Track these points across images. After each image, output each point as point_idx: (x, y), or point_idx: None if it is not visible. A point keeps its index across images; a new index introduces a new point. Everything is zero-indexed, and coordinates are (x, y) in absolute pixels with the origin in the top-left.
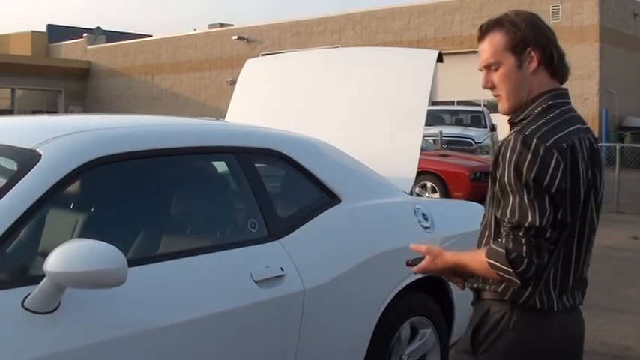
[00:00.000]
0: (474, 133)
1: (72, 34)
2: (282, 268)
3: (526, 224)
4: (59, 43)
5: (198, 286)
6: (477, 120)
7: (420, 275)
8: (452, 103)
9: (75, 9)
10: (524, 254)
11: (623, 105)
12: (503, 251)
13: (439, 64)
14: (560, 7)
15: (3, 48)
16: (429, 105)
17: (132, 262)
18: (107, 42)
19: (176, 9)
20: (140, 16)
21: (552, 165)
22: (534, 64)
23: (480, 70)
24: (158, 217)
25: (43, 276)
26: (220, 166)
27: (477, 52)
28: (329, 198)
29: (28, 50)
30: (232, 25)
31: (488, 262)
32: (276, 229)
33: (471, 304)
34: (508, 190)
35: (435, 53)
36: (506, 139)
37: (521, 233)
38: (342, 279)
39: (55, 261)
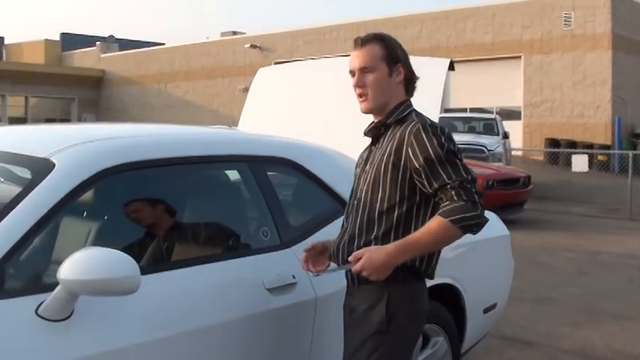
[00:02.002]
0: (486, 140)
1: (85, 42)
2: (294, 276)
3: (469, 178)
4: (72, 52)
5: (210, 294)
6: (490, 127)
7: (431, 283)
8: (464, 110)
9: (88, 17)
10: (477, 200)
11: (635, 112)
12: (463, 203)
13: (451, 71)
14: (572, 15)
15: (16, 56)
16: (441, 112)
17: (145, 270)
18: (120, 50)
19: (189, 17)
20: (153, 25)
21: (455, 142)
22: (401, 77)
23: (351, 72)
24: (171, 225)
25: (56, 284)
26: (233, 175)
27: (490, 59)
28: (341, 206)
29: (42, 58)
30: (245, 33)
31: (452, 220)
32: (288, 237)
33: (357, 289)
34: (437, 163)
35: (446, 61)
36: (410, 131)
37: (469, 186)
38: None
39: (69, 269)
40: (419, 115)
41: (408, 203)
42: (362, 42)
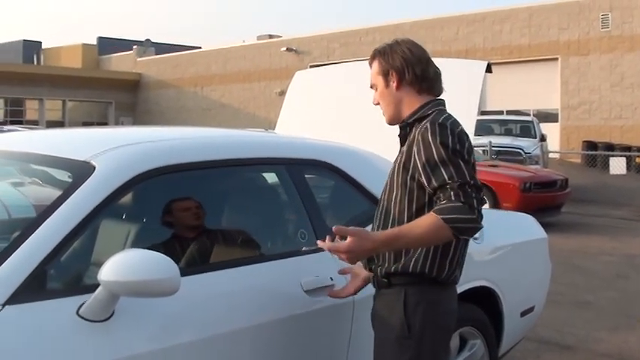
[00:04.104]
0: (523, 143)
1: (122, 46)
2: (331, 278)
3: (471, 182)
4: (109, 56)
5: (248, 296)
6: (527, 130)
7: (469, 286)
8: (501, 112)
9: (125, 21)
10: (475, 205)
11: None
12: (460, 204)
13: (488, 74)
14: (609, 16)
15: (54, 60)
16: (478, 115)
17: (184, 272)
18: (156, 54)
19: (225, 21)
20: (189, 28)
21: (467, 143)
22: (394, 82)
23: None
24: (209, 228)
25: (97, 285)
26: (271, 177)
27: (527, 61)
28: None
29: (79, 62)
30: (281, 37)
31: (445, 219)
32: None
33: (378, 293)
34: (439, 163)
35: (484, 64)
36: (419, 130)
37: (469, 189)
38: None
39: (110, 270)
40: (439, 114)
41: (418, 204)
42: (369, 62)
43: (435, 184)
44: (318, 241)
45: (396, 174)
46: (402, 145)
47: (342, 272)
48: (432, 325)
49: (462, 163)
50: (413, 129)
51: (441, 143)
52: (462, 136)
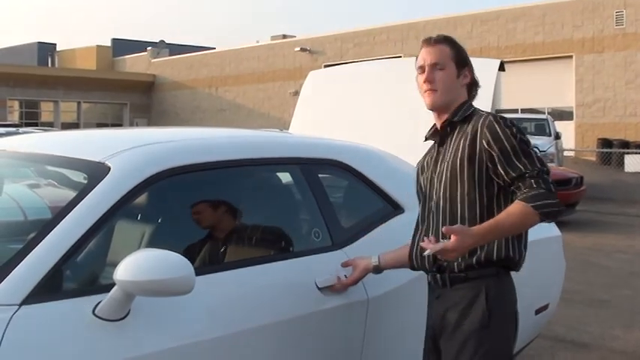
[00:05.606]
0: (538, 141)
1: (136, 47)
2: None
3: (545, 169)
4: (123, 57)
5: (263, 295)
6: (541, 128)
7: None
8: (516, 111)
9: (138, 23)
10: (553, 189)
11: None
12: (543, 190)
13: (502, 72)
14: (624, 13)
15: (69, 62)
16: None
17: (199, 271)
18: (170, 55)
19: (239, 21)
20: (203, 29)
21: (524, 134)
22: (467, 80)
23: (421, 68)
24: (224, 227)
25: (112, 285)
26: (285, 177)
27: (541, 59)
28: (392, 208)
29: (94, 64)
30: (295, 37)
31: (534, 206)
32: (340, 238)
33: (449, 288)
34: (511, 154)
35: (496, 62)
36: (482, 123)
37: (545, 176)
38: (405, 288)
39: (125, 270)
40: (483, 111)
41: (487, 195)
42: (434, 41)
43: (513, 174)
44: (423, 244)
45: (459, 169)
46: (441, 143)
47: (344, 265)
48: (508, 314)
49: (532, 152)
50: (457, 128)
51: (511, 134)
52: (520, 127)
